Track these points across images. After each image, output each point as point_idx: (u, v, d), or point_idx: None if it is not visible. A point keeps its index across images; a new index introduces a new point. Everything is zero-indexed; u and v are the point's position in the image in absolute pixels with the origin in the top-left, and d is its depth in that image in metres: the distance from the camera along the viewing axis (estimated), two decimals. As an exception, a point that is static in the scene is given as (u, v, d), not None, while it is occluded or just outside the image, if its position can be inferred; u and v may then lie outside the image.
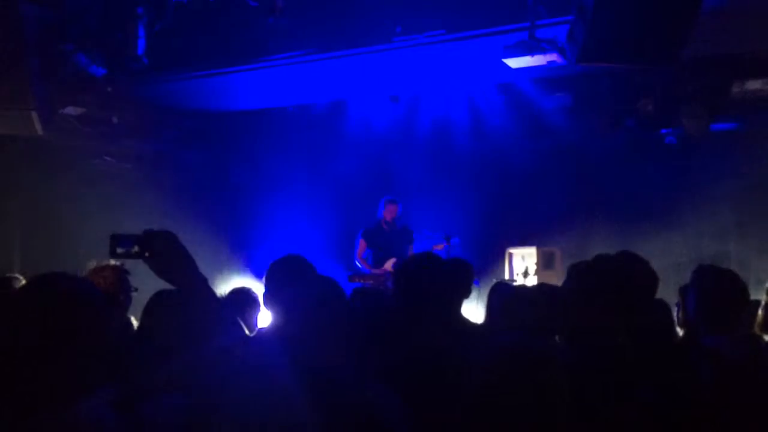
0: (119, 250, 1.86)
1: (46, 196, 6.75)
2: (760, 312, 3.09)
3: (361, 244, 7.60)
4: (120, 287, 3.65)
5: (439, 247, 7.17)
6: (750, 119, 7.64)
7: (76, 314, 1.53)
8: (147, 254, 1.84)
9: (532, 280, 7.40)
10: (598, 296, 2.23)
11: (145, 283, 2.66)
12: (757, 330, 3.01)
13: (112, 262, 3.58)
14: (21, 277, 3.83)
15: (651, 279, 2.44)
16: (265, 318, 3.49)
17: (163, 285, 1.98)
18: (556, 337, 2.51)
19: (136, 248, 1.85)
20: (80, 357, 1.50)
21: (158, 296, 2.66)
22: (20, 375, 1.46)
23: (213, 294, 1.97)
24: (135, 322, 3.25)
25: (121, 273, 3.68)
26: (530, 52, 5.24)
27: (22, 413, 1.42)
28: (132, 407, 1.60)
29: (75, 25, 6.23)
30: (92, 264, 3.63)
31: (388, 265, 7.30)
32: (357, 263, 7.62)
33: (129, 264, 3.39)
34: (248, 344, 2.11)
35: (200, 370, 1.90)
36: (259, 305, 4.10)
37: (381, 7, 5.72)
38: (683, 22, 4.48)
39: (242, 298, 3.89)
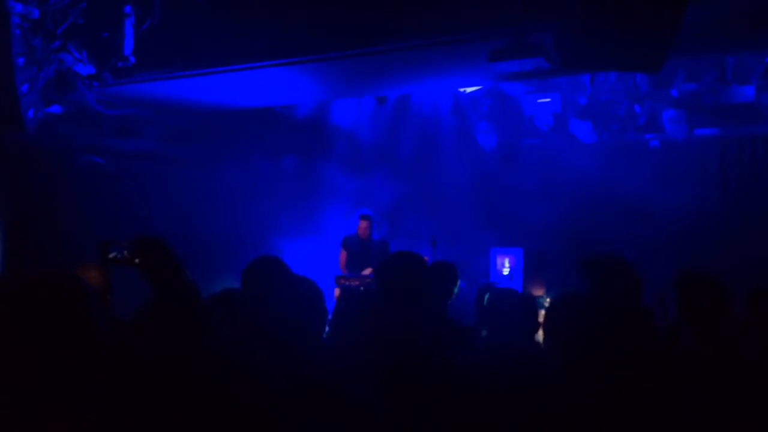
0: (109, 256, 1.87)
1: (31, 197, 6.68)
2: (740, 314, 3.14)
3: (343, 253, 7.49)
4: (106, 288, 3.67)
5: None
6: (732, 125, 7.75)
7: (69, 311, 1.53)
8: (137, 261, 1.84)
9: (517, 282, 7.46)
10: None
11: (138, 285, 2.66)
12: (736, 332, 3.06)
13: None
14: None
15: (640, 282, 2.50)
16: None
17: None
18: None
19: (126, 254, 1.85)
20: (76, 354, 1.50)
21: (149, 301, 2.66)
22: (14, 373, 1.46)
23: (202, 300, 1.96)
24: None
25: (107, 274, 3.70)
26: (517, 56, 5.28)
27: (17, 411, 1.42)
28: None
29: (61, 23, 6.19)
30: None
31: (367, 272, 7.08)
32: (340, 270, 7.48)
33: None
34: (231, 345, 2.12)
35: (186, 371, 1.91)
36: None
37: (368, 10, 5.74)
38: (668, 29, 4.54)
39: (231, 300, 3.89)
